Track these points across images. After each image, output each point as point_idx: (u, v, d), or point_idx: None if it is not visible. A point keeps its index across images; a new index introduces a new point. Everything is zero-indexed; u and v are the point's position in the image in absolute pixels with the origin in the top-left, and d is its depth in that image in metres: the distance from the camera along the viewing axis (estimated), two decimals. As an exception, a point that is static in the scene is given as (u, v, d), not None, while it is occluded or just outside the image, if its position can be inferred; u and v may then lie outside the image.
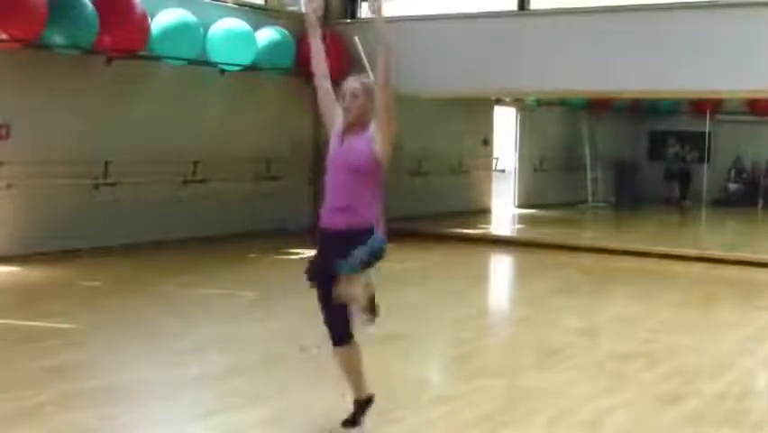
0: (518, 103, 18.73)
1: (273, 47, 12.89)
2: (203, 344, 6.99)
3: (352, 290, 4.64)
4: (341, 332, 4.78)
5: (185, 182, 12.35)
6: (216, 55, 12.31)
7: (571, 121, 20.42)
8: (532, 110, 19.08)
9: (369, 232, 4.66)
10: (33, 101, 10.72)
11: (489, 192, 18.61)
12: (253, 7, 13.59)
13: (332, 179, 4.78)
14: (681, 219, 19.53)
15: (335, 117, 4.88)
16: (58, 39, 10.33)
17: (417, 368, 6.71)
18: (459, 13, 13.88)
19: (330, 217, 4.73)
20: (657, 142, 22.20)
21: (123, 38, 10.92)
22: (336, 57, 11.77)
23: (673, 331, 7.96)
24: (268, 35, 12.92)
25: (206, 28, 12.19)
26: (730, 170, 21.33)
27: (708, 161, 19.13)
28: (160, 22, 11.51)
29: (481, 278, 11.97)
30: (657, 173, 21.58)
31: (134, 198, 11.74)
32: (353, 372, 4.86)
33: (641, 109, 21.57)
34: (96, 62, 11.16)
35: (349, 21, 14.51)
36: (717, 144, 20.19)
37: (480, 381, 6.12)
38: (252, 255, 11.92)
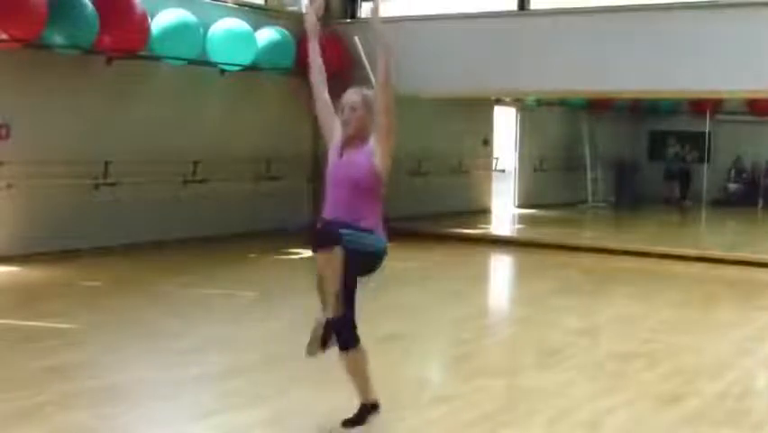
0: (518, 103, 18.73)
1: (273, 47, 12.89)
2: (203, 344, 6.99)
3: (328, 268, 4.58)
4: (346, 340, 4.77)
5: (185, 182, 12.35)
6: (216, 55, 12.31)
7: (571, 121, 20.42)
8: (532, 110, 19.07)
9: (368, 232, 4.66)
10: (33, 101, 10.72)
11: (489, 192, 18.60)
12: (253, 7, 13.59)
13: (332, 193, 4.75)
14: (681, 219, 19.53)
15: (334, 130, 4.86)
16: (58, 39, 10.33)
17: (417, 368, 6.71)
18: (459, 13, 13.87)
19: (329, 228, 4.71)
20: (657, 142, 22.19)
21: (123, 38, 10.92)
22: (336, 57, 11.87)
23: (673, 331, 7.96)
24: (268, 35, 12.92)
25: (206, 28, 12.19)
26: (730, 170, 21.32)
27: (708, 161, 19.12)
28: (160, 22, 11.51)
29: (481, 278, 11.97)
30: (657, 173, 21.57)
31: (134, 198, 11.74)
32: (359, 376, 4.85)
33: (641, 109, 21.56)
34: (96, 62, 11.16)
35: (349, 21, 14.51)
36: (717, 144, 20.18)
37: (479, 381, 6.12)
38: (252, 255, 11.92)
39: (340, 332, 4.74)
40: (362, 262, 4.69)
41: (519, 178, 19.45)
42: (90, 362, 6.47)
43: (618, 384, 6.13)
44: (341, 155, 4.77)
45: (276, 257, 11.83)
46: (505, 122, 19.18)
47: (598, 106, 19.78)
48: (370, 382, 4.89)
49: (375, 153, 4.67)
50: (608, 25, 12.31)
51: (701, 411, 5.52)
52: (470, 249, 13.29)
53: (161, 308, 8.35)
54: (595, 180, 20.49)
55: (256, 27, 12.81)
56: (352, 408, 4.92)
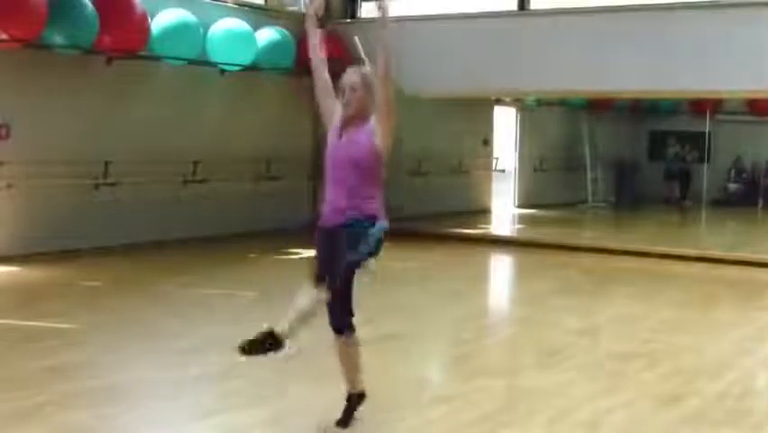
0: (518, 103, 18.72)
1: (273, 47, 12.88)
2: (203, 344, 6.99)
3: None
4: (339, 321, 4.77)
5: (185, 182, 12.35)
6: (216, 55, 12.31)
7: (571, 121, 20.41)
8: (532, 110, 19.07)
9: (370, 220, 4.65)
10: (33, 101, 10.72)
11: (488, 192, 18.59)
12: (253, 7, 13.59)
13: (332, 175, 4.72)
14: (681, 219, 19.52)
15: (334, 113, 4.83)
16: (58, 39, 10.33)
17: (417, 368, 6.71)
18: (459, 13, 13.88)
19: (331, 215, 4.71)
20: (657, 142, 22.18)
21: (123, 38, 10.93)
22: (336, 57, 11.85)
23: (673, 331, 7.96)
24: (268, 35, 12.92)
25: (206, 28, 12.19)
26: (730, 170, 21.31)
27: (708, 161, 19.13)
28: (160, 22, 11.51)
29: (481, 278, 11.97)
30: (657, 173, 21.56)
31: (134, 198, 11.74)
32: (350, 364, 4.86)
33: (641, 109, 21.55)
34: (96, 62, 11.16)
35: (349, 21, 14.51)
36: (717, 144, 20.18)
37: (479, 381, 6.12)
38: (252, 255, 11.92)
39: (333, 311, 4.77)
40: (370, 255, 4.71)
41: (519, 178, 19.44)
42: (90, 362, 6.47)
43: (618, 384, 6.13)
44: (340, 136, 4.73)
45: (276, 257, 11.83)
46: (505, 122, 19.17)
47: (598, 106, 19.77)
48: (360, 373, 4.89)
49: (376, 133, 4.65)
50: (608, 25, 12.32)
51: (701, 411, 5.52)
52: (470, 249, 13.28)
53: (161, 308, 8.35)
54: (595, 180, 20.48)
55: (256, 27, 12.81)
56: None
